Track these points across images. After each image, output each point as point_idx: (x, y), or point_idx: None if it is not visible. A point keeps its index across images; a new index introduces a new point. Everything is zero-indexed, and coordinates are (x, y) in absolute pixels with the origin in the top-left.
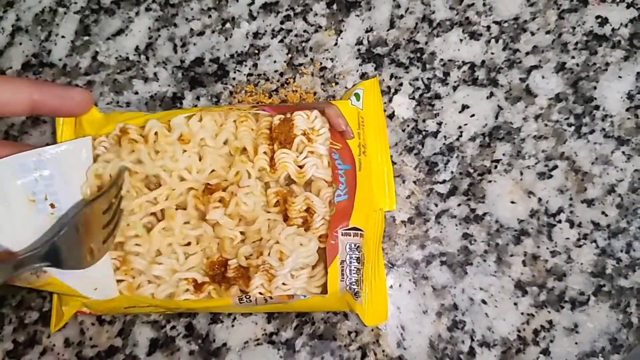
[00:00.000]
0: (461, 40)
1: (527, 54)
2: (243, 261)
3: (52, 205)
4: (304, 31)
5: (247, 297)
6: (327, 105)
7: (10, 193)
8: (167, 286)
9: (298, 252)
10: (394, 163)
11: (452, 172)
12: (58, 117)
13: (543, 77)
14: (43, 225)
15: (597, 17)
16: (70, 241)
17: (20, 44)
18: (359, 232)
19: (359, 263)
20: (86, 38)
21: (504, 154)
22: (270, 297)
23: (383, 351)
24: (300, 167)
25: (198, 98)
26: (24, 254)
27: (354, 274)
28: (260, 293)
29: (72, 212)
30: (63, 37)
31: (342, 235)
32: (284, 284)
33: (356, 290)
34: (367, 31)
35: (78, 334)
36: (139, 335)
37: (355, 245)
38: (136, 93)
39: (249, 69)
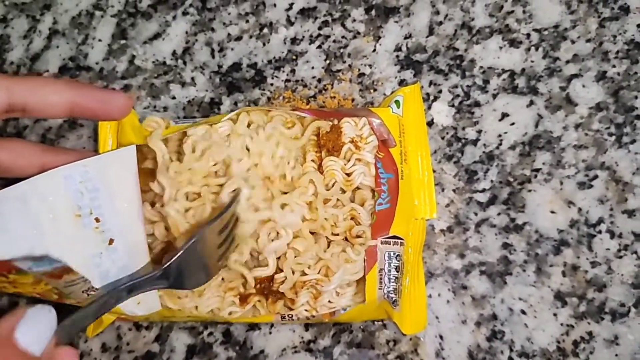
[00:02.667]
0: (501, 47)
1: (568, 62)
2: (291, 275)
3: (97, 220)
4: (342, 37)
5: (290, 316)
6: (368, 113)
7: (57, 207)
8: (211, 296)
9: (345, 269)
10: (433, 171)
11: (491, 181)
12: (98, 121)
13: (583, 86)
14: (89, 240)
15: (639, 25)
16: (187, 263)
17: (57, 47)
18: (399, 240)
19: (397, 272)
20: (123, 42)
21: (544, 163)
22: (313, 316)
23: None
24: (348, 174)
25: (235, 104)
26: (140, 277)
27: (392, 282)
28: (306, 310)
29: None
30: (100, 40)
31: (381, 243)
32: (329, 301)
33: (394, 298)
34: (405, 37)
35: (115, 339)
36: (176, 341)
37: (394, 253)
38: (173, 98)
39: (287, 74)
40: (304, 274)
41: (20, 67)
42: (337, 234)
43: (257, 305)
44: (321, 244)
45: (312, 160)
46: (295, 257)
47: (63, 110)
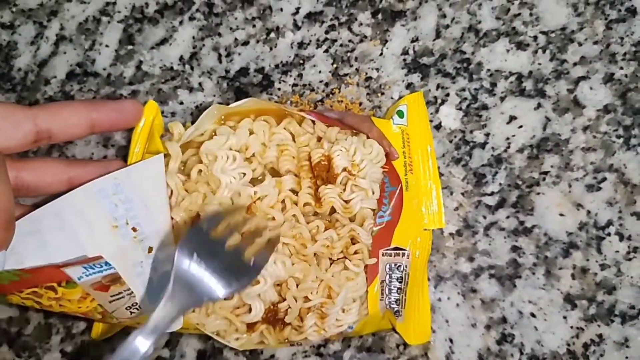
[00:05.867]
0: (508, 50)
1: (575, 64)
2: (294, 303)
3: (134, 229)
4: (349, 41)
5: (300, 343)
6: (371, 125)
7: (93, 220)
8: (217, 317)
9: (347, 288)
10: (441, 174)
11: (500, 184)
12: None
13: (591, 88)
14: (129, 250)
15: None
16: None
17: (65, 53)
18: (402, 251)
19: (400, 282)
20: (130, 47)
21: (552, 166)
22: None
23: None
24: (346, 201)
25: None
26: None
27: (394, 293)
28: (314, 331)
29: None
30: (107, 46)
31: (382, 255)
32: (337, 319)
33: (396, 309)
34: (412, 41)
35: None
36: (186, 346)
37: (395, 265)
38: (181, 103)
39: (294, 79)
40: (307, 299)
41: (28, 73)
42: (334, 255)
43: (264, 332)
44: (322, 265)
45: (309, 187)
46: (297, 285)
47: (85, 130)
